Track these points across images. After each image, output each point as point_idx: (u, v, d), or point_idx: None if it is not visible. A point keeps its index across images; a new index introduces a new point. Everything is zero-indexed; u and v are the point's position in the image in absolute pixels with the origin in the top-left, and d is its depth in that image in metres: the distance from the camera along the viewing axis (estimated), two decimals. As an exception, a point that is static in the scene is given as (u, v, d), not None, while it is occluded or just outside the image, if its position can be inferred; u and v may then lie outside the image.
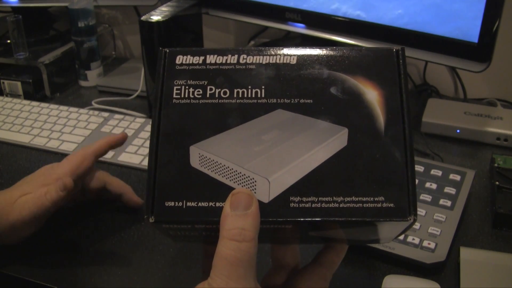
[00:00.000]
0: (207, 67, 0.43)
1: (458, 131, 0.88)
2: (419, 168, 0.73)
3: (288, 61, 0.43)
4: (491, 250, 0.64)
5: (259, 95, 0.42)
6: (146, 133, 0.89)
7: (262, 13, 0.95)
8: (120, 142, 0.68)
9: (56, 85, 1.07)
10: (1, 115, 0.95)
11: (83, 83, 1.10)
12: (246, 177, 0.40)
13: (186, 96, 0.42)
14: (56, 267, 0.63)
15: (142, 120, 0.93)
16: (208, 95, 0.42)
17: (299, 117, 0.42)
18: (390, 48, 0.43)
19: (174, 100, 0.42)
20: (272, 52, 0.43)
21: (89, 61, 1.08)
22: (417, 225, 0.64)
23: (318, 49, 0.44)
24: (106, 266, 0.63)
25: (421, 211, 0.66)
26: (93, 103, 0.98)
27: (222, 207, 0.39)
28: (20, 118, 0.95)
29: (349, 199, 0.39)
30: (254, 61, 0.43)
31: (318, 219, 0.39)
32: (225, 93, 0.42)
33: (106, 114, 0.95)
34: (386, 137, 0.41)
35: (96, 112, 0.96)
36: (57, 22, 1.21)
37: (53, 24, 1.21)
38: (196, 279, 0.62)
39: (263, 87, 0.42)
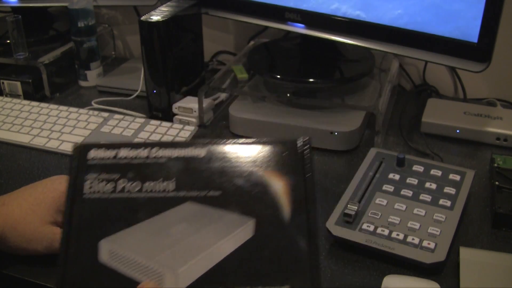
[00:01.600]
0: (119, 161, 0.45)
1: (458, 131, 0.88)
2: (419, 168, 0.73)
3: (196, 155, 0.45)
4: (491, 250, 0.64)
5: (169, 189, 0.44)
6: (146, 133, 0.89)
7: (261, 13, 0.95)
8: None
9: (56, 85, 1.07)
10: (1, 115, 0.95)
11: (82, 83, 1.10)
12: (154, 271, 0.40)
13: (97, 190, 0.44)
14: (56, 267, 0.63)
15: (142, 120, 0.93)
16: (119, 190, 0.44)
17: (207, 209, 0.43)
18: (294, 139, 0.45)
19: (84, 195, 0.43)
20: (182, 145, 0.45)
21: (88, 61, 1.08)
22: (417, 225, 0.64)
23: (225, 143, 0.45)
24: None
25: (420, 211, 0.66)
26: (93, 103, 0.98)
27: None
28: (20, 118, 0.95)
29: None
30: (164, 155, 0.45)
31: None
32: (135, 187, 0.44)
33: (106, 114, 0.95)
34: (290, 227, 0.42)
35: (96, 112, 0.96)
36: (57, 22, 1.21)
37: (53, 24, 1.21)
38: (196, 279, 0.62)
39: (173, 180, 0.44)
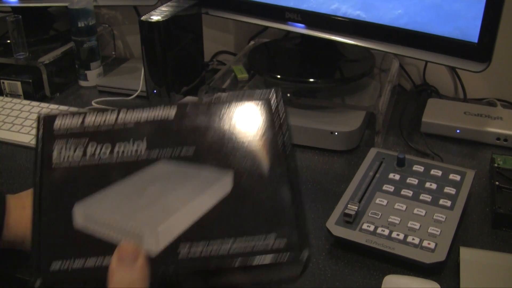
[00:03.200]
0: (85, 129, 0.44)
1: (458, 131, 0.88)
2: (419, 168, 0.73)
3: (167, 117, 0.44)
4: (491, 250, 0.64)
5: (140, 151, 0.43)
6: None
7: (262, 13, 0.95)
8: None
9: (56, 85, 1.07)
10: (1, 115, 0.95)
11: (83, 83, 1.10)
12: (133, 232, 0.39)
13: (66, 159, 0.43)
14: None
15: (142, 120, 0.93)
16: (88, 157, 0.43)
17: (182, 167, 0.42)
18: (267, 91, 0.44)
19: (54, 165, 0.42)
20: (151, 109, 0.44)
21: (89, 61, 1.08)
22: (417, 225, 0.64)
23: (195, 104, 0.44)
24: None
25: (421, 211, 0.66)
26: (93, 103, 0.98)
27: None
28: (20, 118, 0.95)
29: (240, 239, 0.39)
30: (132, 119, 0.44)
31: (209, 267, 0.38)
32: (104, 153, 0.43)
33: (106, 114, 0.95)
34: (271, 178, 0.41)
35: (96, 112, 0.96)
36: (57, 22, 1.21)
37: (53, 24, 1.21)
38: (196, 279, 0.62)
39: (144, 140, 0.43)
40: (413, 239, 0.62)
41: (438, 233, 0.63)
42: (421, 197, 0.68)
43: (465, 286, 0.58)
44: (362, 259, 0.64)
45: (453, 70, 1.04)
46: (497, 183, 0.71)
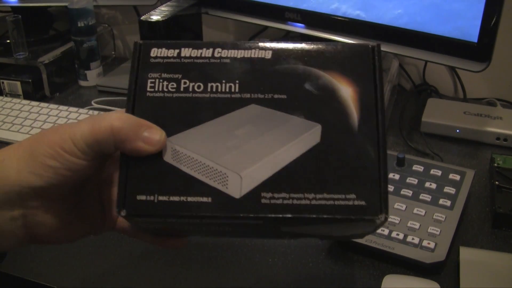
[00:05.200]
0: (182, 60, 0.43)
1: (457, 130, 0.88)
2: (418, 168, 0.73)
3: (263, 56, 0.43)
4: (491, 250, 0.64)
5: (233, 90, 0.42)
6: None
7: (261, 13, 0.95)
8: None
9: (56, 85, 1.07)
10: (0, 115, 0.95)
11: (82, 83, 1.10)
12: (218, 172, 0.39)
13: (160, 89, 0.42)
14: (56, 267, 0.63)
15: (142, 120, 0.93)
16: (182, 89, 0.42)
17: (273, 112, 0.42)
18: (366, 43, 0.43)
19: (148, 93, 0.42)
20: (247, 46, 0.43)
21: (88, 61, 1.08)
22: (416, 225, 0.64)
23: (293, 44, 0.43)
24: (105, 266, 0.63)
25: (420, 211, 0.66)
26: (92, 103, 0.98)
27: (194, 202, 0.39)
28: (20, 118, 0.95)
29: (320, 196, 0.39)
30: (228, 55, 0.43)
31: (288, 215, 0.39)
32: (199, 87, 0.42)
33: (105, 114, 0.95)
34: (359, 134, 0.40)
35: (95, 112, 0.96)
36: (56, 22, 1.21)
37: (53, 24, 1.21)
38: (196, 279, 0.62)
39: (237, 81, 0.42)
40: (412, 238, 0.62)
41: (438, 233, 0.63)
42: (421, 197, 0.68)
43: (465, 286, 0.58)
44: (362, 259, 0.64)
45: (453, 70, 1.04)
46: (497, 182, 0.71)
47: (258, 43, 0.43)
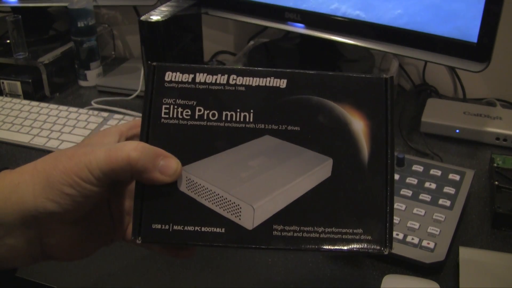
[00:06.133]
0: (196, 86, 0.43)
1: (457, 131, 0.88)
2: (418, 168, 0.73)
3: (278, 85, 0.43)
4: (491, 250, 0.64)
5: (247, 119, 0.42)
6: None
7: (261, 13, 0.95)
8: None
9: (56, 85, 1.07)
10: (0, 115, 0.95)
11: (82, 83, 1.10)
12: (232, 203, 0.40)
13: (175, 116, 0.42)
14: (56, 267, 0.63)
15: (142, 120, 0.93)
16: (196, 117, 0.42)
17: (286, 144, 0.42)
18: (379, 76, 0.43)
19: (162, 120, 0.42)
20: (263, 73, 0.43)
21: (88, 61, 1.08)
22: (416, 225, 0.64)
23: (308, 74, 0.43)
24: (105, 266, 0.63)
25: (420, 211, 0.66)
26: (92, 103, 0.98)
27: (208, 232, 0.40)
28: (20, 118, 0.95)
29: (329, 230, 0.40)
30: (244, 83, 0.43)
31: (299, 248, 0.40)
32: (213, 115, 0.42)
33: (105, 114, 0.95)
34: (369, 170, 0.41)
35: (95, 112, 0.96)
36: (56, 22, 1.21)
37: (53, 24, 1.21)
38: (196, 279, 0.62)
39: (252, 111, 0.42)
40: (412, 238, 0.62)
41: (437, 233, 0.63)
42: (420, 197, 0.68)
43: (465, 286, 0.58)
44: (362, 259, 0.64)
45: (452, 70, 1.04)
46: (496, 182, 0.71)
47: (273, 70, 0.43)
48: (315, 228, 0.40)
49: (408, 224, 0.64)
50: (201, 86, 0.43)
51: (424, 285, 0.57)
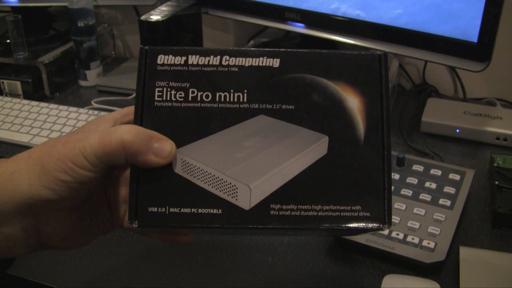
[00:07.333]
0: (189, 68, 0.42)
1: (457, 130, 0.88)
2: (418, 168, 0.73)
3: (271, 64, 0.43)
4: (491, 249, 0.64)
5: (241, 100, 0.42)
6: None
7: (261, 13, 0.95)
8: None
9: (56, 85, 1.07)
10: (0, 115, 0.95)
11: (82, 82, 1.10)
12: (228, 184, 0.40)
13: (168, 98, 0.42)
14: (56, 267, 0.63)
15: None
16: (190, 99, 0.42)
17: (281, 123, 0.42)
18: (373, 53, 0.43)
19: (156, 103, 0.42)
20: (255, 53, 0.43)
21: (88, 60, 1.08)
22: (416, 225, 0.64)
23: (301, 52, 0.43)
24: (105, 266, 0.63)
25: (420, 211, 0.66)
26: (92, 102, 0.98)
27: (205, 213, 0.39)
28: (20, 117, 0.95)
29: (327, 207, 0.40)
30: (236, 63, 0.43)
31: (297, 227, 0.40)
32: (207, 96, 0.42)
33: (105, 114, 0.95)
34: (365, 146, 0.41)
35: (95, 112, 0.96)
36: (56, 22, 1.21)
37: (53, 24, 1.21)
38: (196, 279, 0.62)
39: (245, 91, 0.42)
40: (412, 238, 0.62)
41: (437, 232, 0.63)
42: (420, 197, 0.68)
43: (465, 285, 0.58)
44: (362, 259, 0.64)
45: (452, 69, 1.04)
46: (496, 182, 0.71)
47: (266, 50, 0.43)
48: (313, 206, 0.40)
49: (408, 224, 0.64)
50: (194, 68, 0.42)
51: (425, 285, 0.57)
